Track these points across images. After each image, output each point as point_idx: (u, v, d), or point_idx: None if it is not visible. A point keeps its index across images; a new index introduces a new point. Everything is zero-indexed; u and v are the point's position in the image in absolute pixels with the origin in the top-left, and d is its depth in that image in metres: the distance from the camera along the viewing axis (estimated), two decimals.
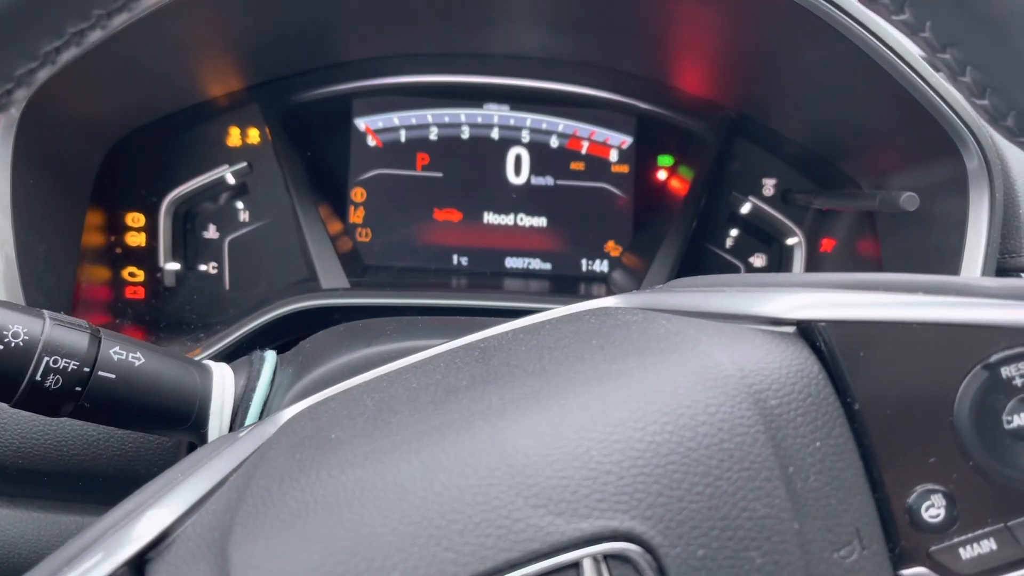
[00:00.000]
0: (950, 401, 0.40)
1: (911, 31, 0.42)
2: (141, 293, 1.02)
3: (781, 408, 0.39)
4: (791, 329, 0.42)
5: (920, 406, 0.40)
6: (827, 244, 1.07)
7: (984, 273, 0.81)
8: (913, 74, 0.77)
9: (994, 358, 0.40)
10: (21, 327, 0.54)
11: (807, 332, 0.42)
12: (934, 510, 0.39)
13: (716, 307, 0.47)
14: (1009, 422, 0.40)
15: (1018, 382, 0.40)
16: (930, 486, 0.39)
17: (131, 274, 1.02)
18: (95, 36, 0.39)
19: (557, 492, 0.35)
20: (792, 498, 0.36)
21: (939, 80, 0.78)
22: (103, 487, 0.77)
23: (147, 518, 0.42)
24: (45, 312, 0.56)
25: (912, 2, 0.40)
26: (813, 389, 0.40)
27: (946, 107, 0.77)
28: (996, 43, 0.39)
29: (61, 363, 0.55)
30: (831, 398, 0.40)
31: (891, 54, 0.77)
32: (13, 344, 0.53)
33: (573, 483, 0.35)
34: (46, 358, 0.54)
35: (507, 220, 1.13)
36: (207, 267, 1.06)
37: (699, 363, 0.40)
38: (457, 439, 0.38)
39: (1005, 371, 0.40)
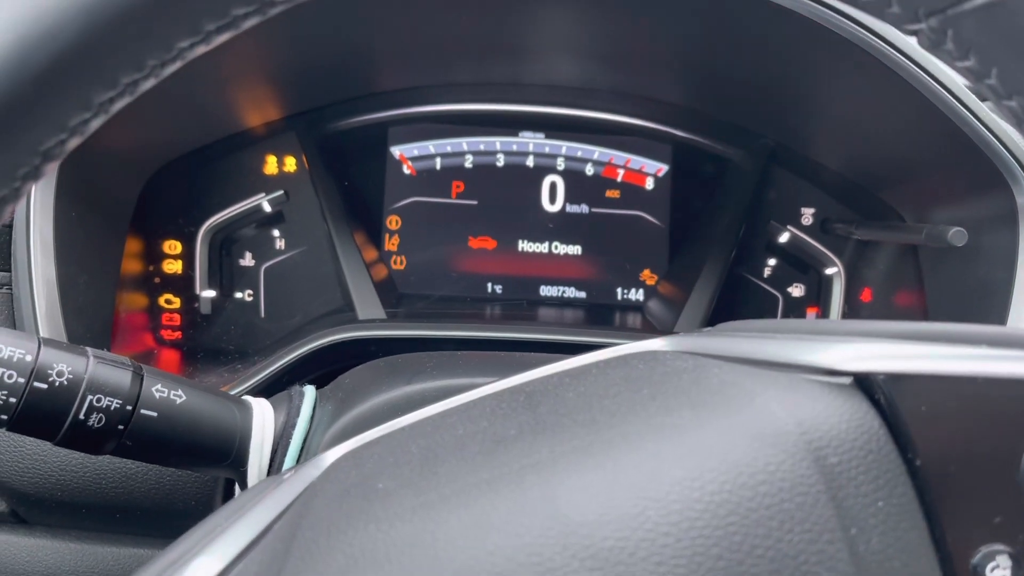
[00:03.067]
0: (1016, 459, 0.38)
1: (975, 78, 0.41)
2: (178, 321, 1.03)
3: (842, 466, 0.37)
4: (847, 380, 0.41)
5: (984, 464, 0.39)
6: (867, 276, 1.05)
7: None
8: (960, 106, 0.76)
9: None
10: (65, 366, 0.54)
11: (865, 384, 0.41)
12: (1000, 571, 0.38)
13: (769, 355, 0.46)
14: None
15: None
16: (995, 547, 0.38)
17: (168, 302, 1.02)
18: (147, 84, 0.39)
19: (614, 554, 0.34)
20: (855, 561, 0.35)
21: (987, 112, 0.76)
22: (140, 520, 0.77)
23: (194, 567, 0.41)
24: (89, 350, 0.56)
25: (978, 49, 0.39)
26: (874, 445, 0.38)
27: (995, 140, 0.76)
28: None
29: (104, 401, 0.55)
30: (892, 455, 0.38)
31: (937, 85, 0.76)
32: (57, 383, 0.53)
33: (630, 545, 0.34)
34: (90, 396, 0.54)
35: (542, 248, 1.12)
36: (243, 295, 1.06)
37: (756, 417, 0.39)
38: (508, 494, 0.37)
39: None
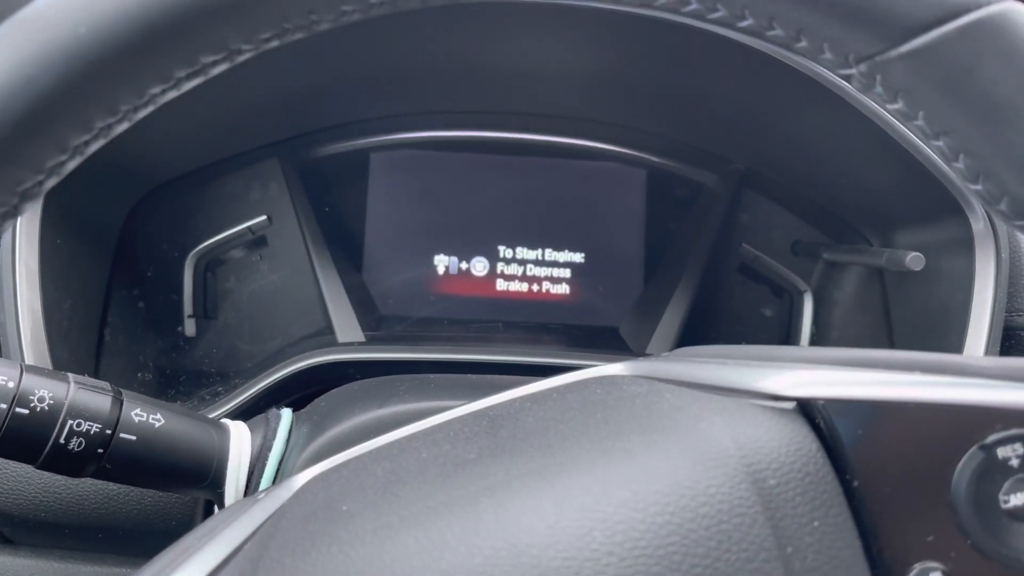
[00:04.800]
0: (947, 480, 0.41)
1: (904, 119, 0.43)
2: (161, 345, 1.04)
3: (780, 488, 0.39)
4: (791, 405, 0.43)
5: (918, 485, 0.41)
6: (836, 298, 1.08)
7: (991, 331, 0.81)
8: (915, 136, 0.79)
9: (990, 439, 0.40)
10: (47, 391, 0.56)
11: (807, 409, 0.43)
12: None
13: (718, 380, 0.48)
14: (1006, 502, 0.40)
15: (1014, 463, 0.40)
16: (929, 564, 0.40)
17: (152, 327, 1.04)
18: (121, 128, 0.41)
19: (560, 573, 0.36)
20: None
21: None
22: (121, 539, 0.78)
23: None
24: (69, 375, 0.58)
25: (905, 93, 0.41)
26: (812, 468, 0.40)
27: (950, 171, 0.78)
28: (987, 133, 0.41)
29: (84, 426, 0.56)
30: (829, 476, 0.40)
31: (893, 119, 0.78)
32: (39, 408, 0.55)
33: (576, 564, 0.36)
34: (70, 421, 0.56)
35: (519, 271, 1.14)
36: (226, 319, 1.08)
37: (700, 441, 0.41)
38: (464, 516, 0.39)
39: (1001, 452, 0.40)
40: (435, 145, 1.13)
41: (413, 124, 1.11)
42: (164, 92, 0.40)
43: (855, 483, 0.40)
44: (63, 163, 0.40)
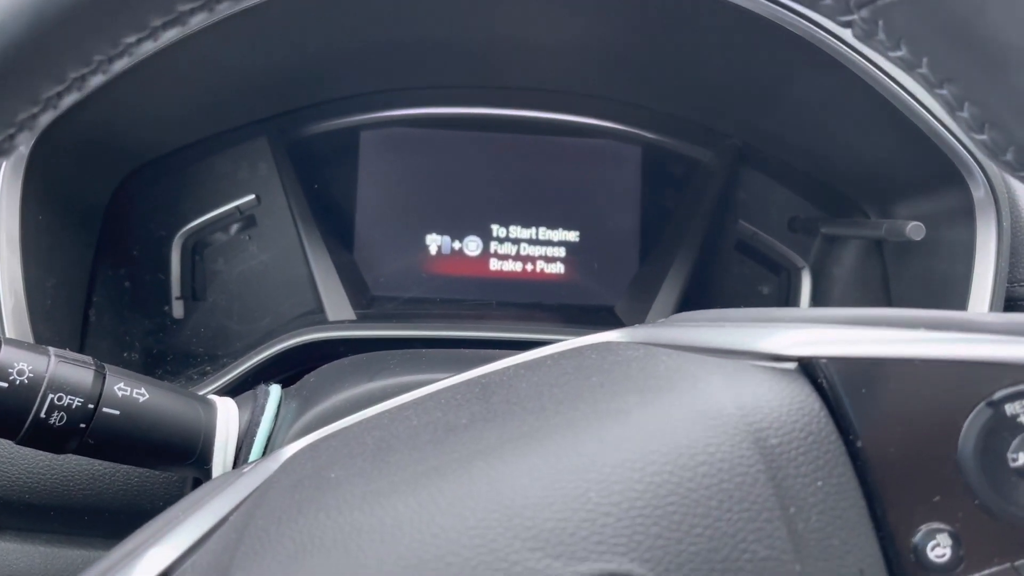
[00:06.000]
0: (954, 439, 0.39)
1: (907, 67, 0.42)
2: (149, 325, 1.03)
3: (782, 447, 0.38)
4: (792, 365, 0.42)
5: (924, 444, 0.39)
6: (834, 273, 1.07)
7: (993, 302, 0.80)
8: (916, 103, 0.77)
9: (997, 395, 0.39)
10: (26, 364, 0.54)
11: (808, 368, 0.42)
12: (940, 549, 0.38)
13: (717, 342, 0.47)
14: (1015, 460, 0.39)
15: (1023, 419, 0.39)
16: (935, 525, 0.39)
17: (139, 307, 1.02)
18: (96, 80, 0.39)
19: (555, 535, 0.34)
20: (793, 539, 0.36)
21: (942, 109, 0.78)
22: (108, 521, 0.77)
23: (148, 557, 0.42)
24: (50, 349, 0.57)
25: (908, 39, 0.40)
26: (815, 427, 0.39)
27: (951, 136, 0.77)
28: (993, 79, 0.39)
29: (66, 400, 0.55)
30: (833, 436, 0.39)
31: (893, 84, 0.77)
32: (18, 382, 0.54)
33: (571, 525, 0.35)
34: (51, 395, 0.54)
35: (513, 250, 1.13)
36: (215, 299, 1.06)
37: (698, 401, 0.40)
38: (455, 480, 0.38)
39: (1009, 408, 0.39)
40: (427, 122, 1.11)
41: (404, 101, 1.09)
42: (140, 42, 0.39)
43: (858, 443, 0.39)
44: (35, 115, 0.38)
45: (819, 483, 0.38)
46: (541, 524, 0.35)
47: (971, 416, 0.39)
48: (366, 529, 0.37)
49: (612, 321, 1.08)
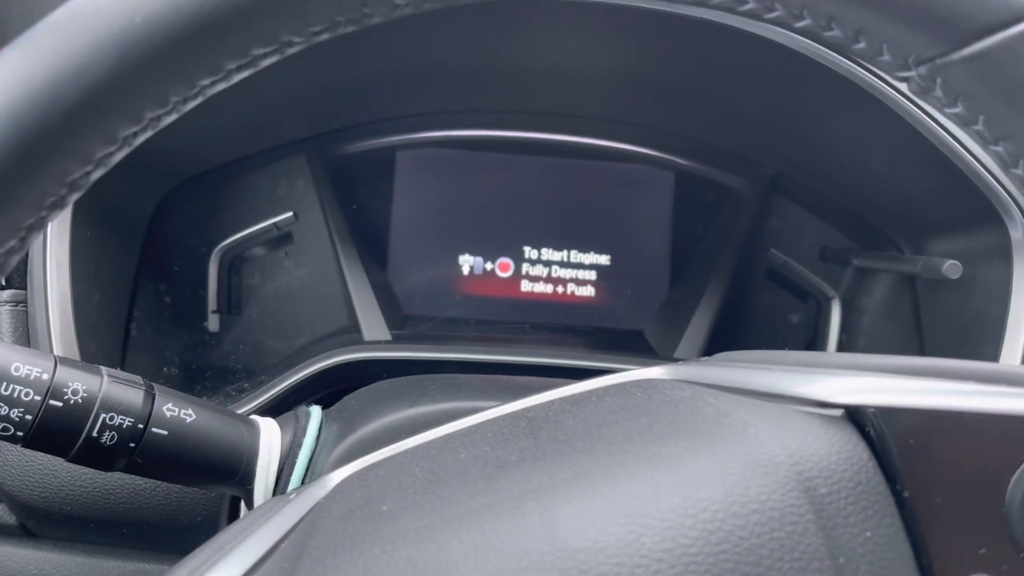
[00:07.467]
0: (1001, 492, 0.40)
1: (963, 123, 0.42)
2: (187, 340, 1.04)
3: (831, 496, 0.39)
4: (839, 413, 0.43)
5: (971, 496, 0.40)
6: (865, 305, 1.07)
7: None
8: (954, 141, 0.78)
9: None
10: (80, 384, 0.55)
11: (855, 417, 0.42)
12: None
13: (764, 386, 0.47)
14: None
15: None
16: None
17: (178, 322, 1.04)
18: (169, 119, 0.40)
19: None
20: None
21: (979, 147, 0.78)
22: (146, 534, 0.78)
23: None
24: (103, 369, 0.58)
25: (966, 97, 0.40)
26: (863, 476, 0.40)
27: (989, 176, 0.77)
28: None
29: (117, 420, 0.56)
30: (881, 486, 0.40)
31: (931, 121, 0.77)
32: (72, 401, 0.55)
33: (625, 570, 0.35)
34: (103, 415, 0.55)
35: (546, 272, 1.14)
36: (250, 314, 1.08)
37: (749, 448, 0.40)
38: (509, 519, 0.39)
39: None
40: (462, 144, 1.12)
41: (440, 123, 1.10)
42: (214, 84, 0.40)
43: (905, 493, 0.39)
44: (111, 154, 0.39)
45: (868, 533, 0.38)
46: (595, 568, 0.35)
47: (1019, 471, 0.40)
48: (420, 565, 0.37)
49: (642, 347, 1.08)
